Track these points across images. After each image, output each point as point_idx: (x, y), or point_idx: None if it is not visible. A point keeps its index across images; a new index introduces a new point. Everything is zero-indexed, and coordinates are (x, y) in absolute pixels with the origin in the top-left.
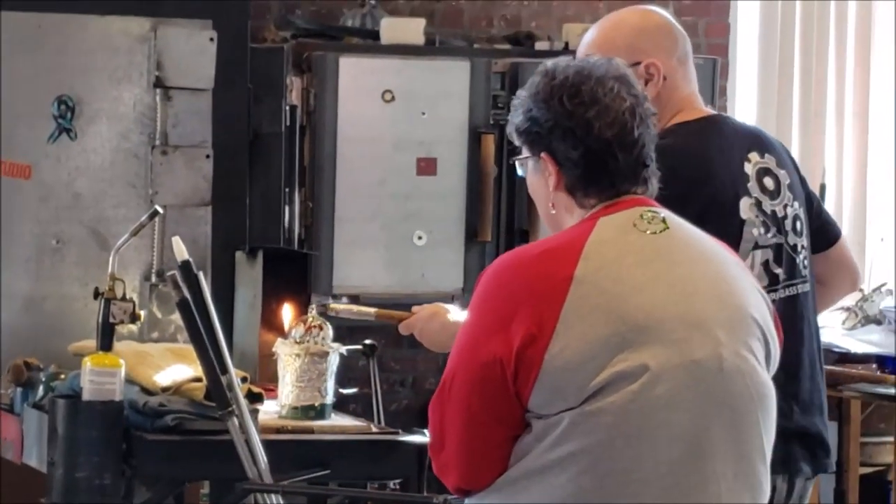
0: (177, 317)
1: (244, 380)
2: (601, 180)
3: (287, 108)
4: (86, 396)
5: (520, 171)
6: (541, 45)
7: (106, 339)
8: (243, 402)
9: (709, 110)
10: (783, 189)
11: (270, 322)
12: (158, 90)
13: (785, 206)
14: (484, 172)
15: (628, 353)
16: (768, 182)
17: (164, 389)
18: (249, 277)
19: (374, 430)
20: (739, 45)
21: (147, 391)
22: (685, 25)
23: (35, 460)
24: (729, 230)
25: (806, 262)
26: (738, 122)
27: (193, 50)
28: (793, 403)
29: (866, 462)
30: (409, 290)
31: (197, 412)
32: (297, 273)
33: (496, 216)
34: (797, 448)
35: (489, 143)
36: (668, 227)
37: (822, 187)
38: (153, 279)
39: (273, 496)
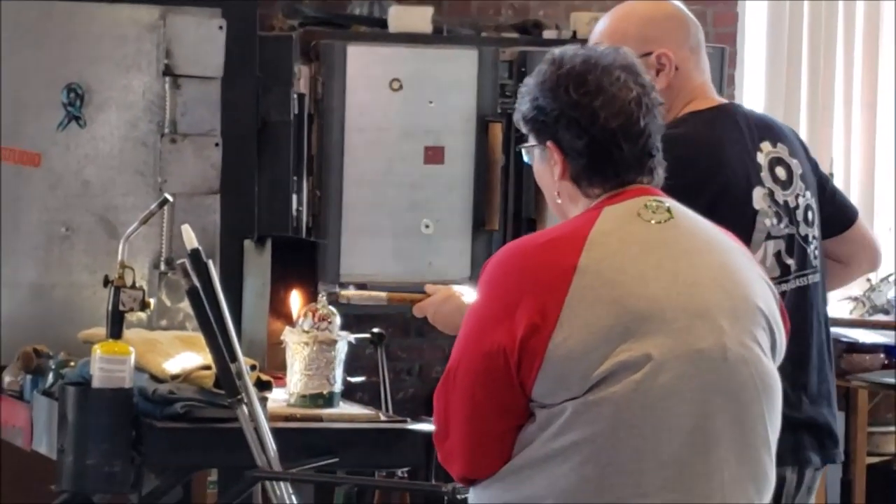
0: (186, 305)
1: (253, 368)
2: (606, 170)
3: (295, 96)
4: (95, 384)
5: (526, 159)
6: (548, 34)
7: (115, 326)
8: (252, 390)
9: (721, 99)
10: (795, 179)
11: (279, 310)
12: (167, 78)
13: (797, 197)
14: (491, 161)
15: (631, 342)
16: (780, 172)
17: (174, 377)
18: (258, 266)
19: (383, 418)
20: (748, 34)
21: (156, 379)
22: (693, 14)
23: (45, 447)
24: (742, 220)
25: (816, 252)
26: (750, 110)
27: (202, 38)
28: (801, 394)
29: (873, 452)
30: (417, 279)
31: (206, 400)
32: (305, 261)
33: (503, 205)
34: (806, 438)
35: (497, 131)
36: (672, 217)
37: (830, 177)
38: (162, 267)
39: (281, 484)
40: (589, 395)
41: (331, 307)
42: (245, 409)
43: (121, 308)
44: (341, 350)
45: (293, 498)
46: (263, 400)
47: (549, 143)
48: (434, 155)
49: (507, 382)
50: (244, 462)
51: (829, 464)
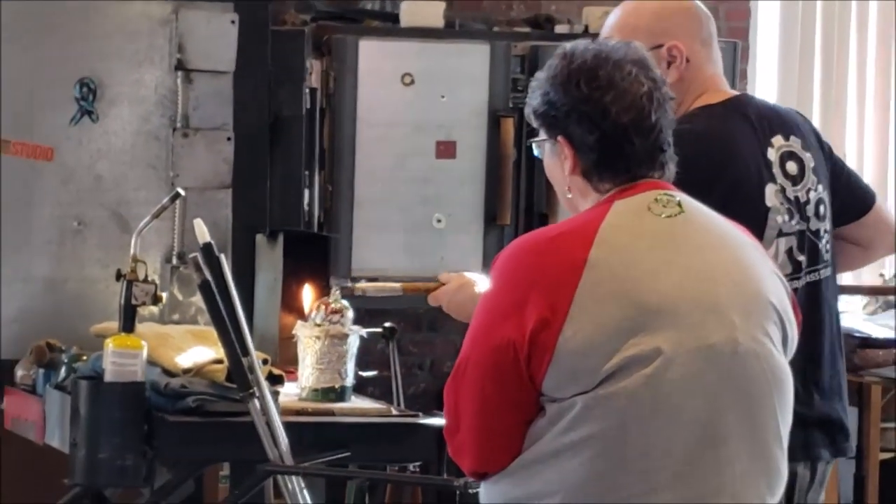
0: (198, 299)
1: (265, 362)
2: (616, 165)
3: (307, 91)
4: (108, 378)
5: (536, 153)
6: (561, 29)
7: (128, 320)
8: (264, 384)
9: (733, 91)
10: (807, 172)
11: (290, 305)
12: (180, 73)
13: (808, 191)
14: (503, 156)
15: (641, 337)
16: (791, 167)
17: (186, 371)
18: (270, 260)
19: (395, 412)
20: (760, 29)
21: (168, 373)
22: (706, 9)
23: (57, 441)
24: (754, 217)
25: (828, 245)
26: (762, 102)
27: (214, 33)
28: (813, 390)
29: (886, 447)
30: (428, 273)
31: (218, 394)
32: (316, 256)
33: (515, 199)
34: (818, 434)
35: (508, 126)
36: (683, 211)
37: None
38: (174, 261)
39: (293, 478)
40: (599, 390)
41: (343, 301)
42: (257, 403)
43: (133, 302)
44: (353, 344)
45: (305, 492)
46: (275, 394)
47: (559, 138)
48: (446, 149)
49: (517, 376)
50: (256, 456)
51: (840, 457)
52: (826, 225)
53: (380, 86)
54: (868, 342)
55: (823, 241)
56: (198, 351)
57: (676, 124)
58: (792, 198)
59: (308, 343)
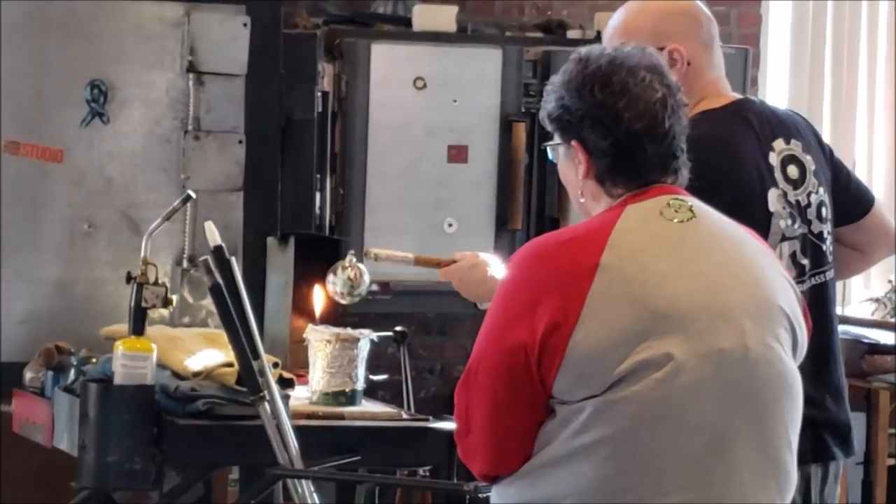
0: (208, 302)
1: (275, 365)
2: (629, 171)
3: (319, 94)
4: (117, 380)
5: (551, 157)
6: (572, 34)
7: (138, 323)
8: (274, 387)
9: (734, 95)
10: (808, 176)
11: (301, 308)
12: (191, 75)
13: (809, 195)
14: (515, 160)
15: (652, 341)
16: (792, 171)
17: (196, 374)
18: (281, 263)
19: (405, 416)
20: (771, 35)
21: (178, 376)
22: (717, 15)
23: (66, 444)
24: (757, 223)
25: (831, 248)
26: (763, 105)
27: (226, 35)
28: (824, 392)
29: (894, 453)
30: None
31: (228, 397)
32: (328, 259)
33: (527, 204)
34: (829, 436)
35: (520, 131)
36: (695, 216)
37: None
38: (185, 264)
39: (303, 482)
40: (610, 394)
41: (359, 265)
42: (267, 406)
43: (143, 305)
44: (363, 348)
45: (314, 496)
46: (285, 397)
47: (573, 143)
48: (458, 154)
49: (528, 379)
50: (266, 460)
51: (849, 457)
52: (828, 227)
53: (392, 89)
54: (876, 348)
55: (826, 242)
56: (208, 354)
57: None
58: (794, 202)
59: (318, 346)
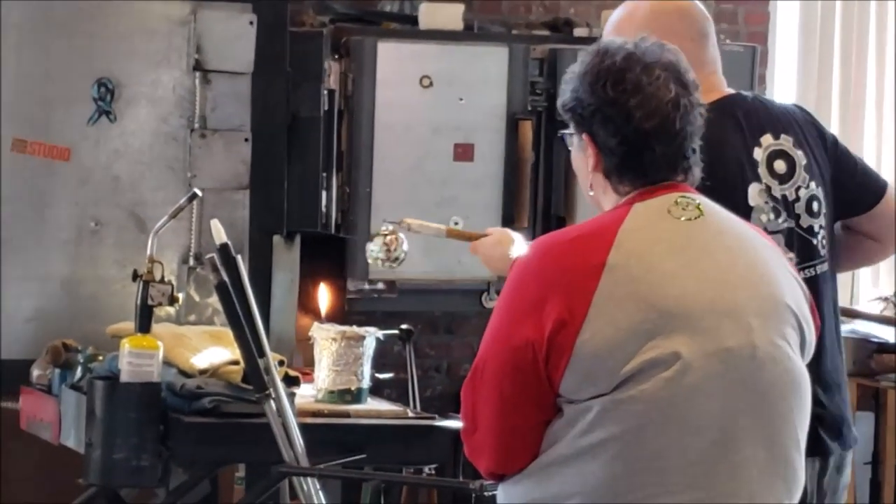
0: (214, 300)
1: (281, 363)
2: (636, 169)
3: (325, 92)
4: (124, 378)
5: (568, 145)
6: (579, 32)
7: (144, 321)
8: (280, 385)
9: (725, 91)
10: (797, 170)
11: (307, 306)
12: (198, 73)
13: (797, 189)
14: (521, 159)
15: (659, 340)
16: (780, 165)
17: (202, 372)
18: (287, 261)
19: (411, 414)
20: (779, 33)
21: (184, 373)
22: (724, 13)
23: (73, 441)
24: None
25: (824, 241)
26: (755, 100)
27: (233, 34)
28: (816, 386)
29: None
30: (446, 276)
31: (234, 395)
32: (333, 257)
33: (533, 203)
34: (822, 431)
35: (527, 129)
36: (702, 214)
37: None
38: (191, 262)
39: (309, 480)
40: (617, 393)
41: (400, 234)
42: (273, 404)
43: (149, 302)
44: (369, 346)
45: (320, 494)
46: (291, 395)
47: (584, 136)
48: (464, 152)
49: (536, 377)
50: (271, 457)
51: (849, 449)
52: (821, 221)
53: (398, 88)
54: (884, 347)
55: (819, 237)
56: (214, 352)
57: None
58: (778, 196)
59: (324, 345)
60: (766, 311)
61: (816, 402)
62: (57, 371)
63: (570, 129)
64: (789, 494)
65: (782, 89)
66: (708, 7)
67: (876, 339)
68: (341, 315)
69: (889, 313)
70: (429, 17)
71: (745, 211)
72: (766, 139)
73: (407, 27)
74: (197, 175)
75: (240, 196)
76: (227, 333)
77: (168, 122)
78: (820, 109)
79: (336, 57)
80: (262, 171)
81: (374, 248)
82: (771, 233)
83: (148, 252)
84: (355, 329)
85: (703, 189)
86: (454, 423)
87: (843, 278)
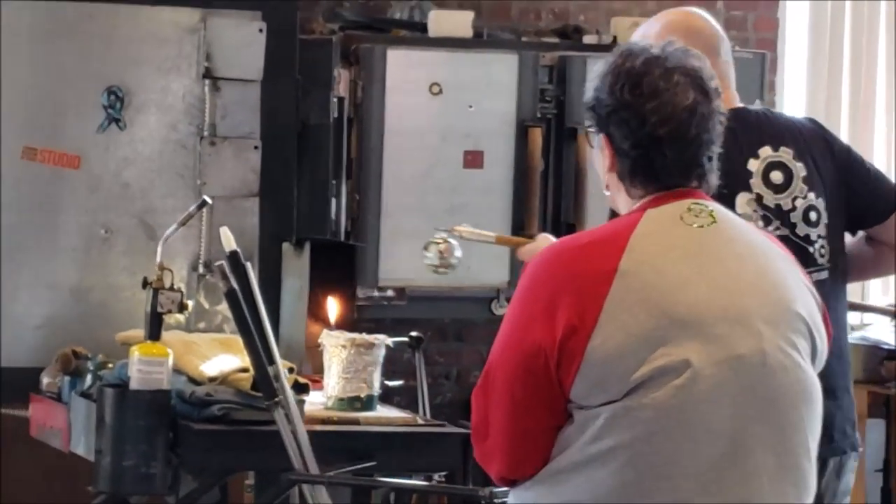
0: (224, 307)
1: (290, 370)
2: (647, 174)
3: (335, 100)
4: (133, 385)
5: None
6: (589, 39)
7: (154, 328)
8: (290, 392)
9: (735, 104)
10: (795, 181)
11: (317, 313)
12: (207, 81)
13: (793, 199)
14: (530, 166)
15: (670, 347)
16: (776, 176)
17: (211, 379)
18: (296, 269)
19: (420, 421)
20: (788, 40)
21: (194, 381)
22: (734, 20)
23: (82, 449)
24: None
25: (823, 250)
26: (761, 114)
27: (242, 41)
28: None
29: None
30: (455, 283)
31: (243, 402)
32: (343, 265)
33: (542, 210)
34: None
35: (536, 136)
36: (715, 221)
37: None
38: (201, 269)
39: (319, 487)
40: (627, 400)
41: (449, 239)
42: (282, 411)
43: (159, 310)
44: (379, 353)
45: (330, 501)
46: (301, 403)
47: (602, 136)
48: (473, 159)
49: (547, 381)
50: (281, 465)
51: (848, 452)
52: (819, 230)
53: (407, 95)
54: (894, 354)
55: (816, 245)
56: (223, 359)
57: None
58: (772, 205)
59: (334, 352)
60: (777, 319)
61: None
62: (67, 378)
63: (592, 128)
64: (800, 502)
65: (792, 95)
66: (717, 14)
67: (886, 347)
68: (351, 322)
69: None
70: (438, 24)
71: None
72: (765, 151)
73: (416, 34)
74: (207, 182)
75: (249, 203)
76: (236, 341)
77: (178, 129)
78: (830, 115)
79: (346, 64)
80: (271, 178)
81: (429, 256)
82: None
83: (157, 259)
84: (365, 336)
85: None
86: (464, 431)
87: (853, 287)
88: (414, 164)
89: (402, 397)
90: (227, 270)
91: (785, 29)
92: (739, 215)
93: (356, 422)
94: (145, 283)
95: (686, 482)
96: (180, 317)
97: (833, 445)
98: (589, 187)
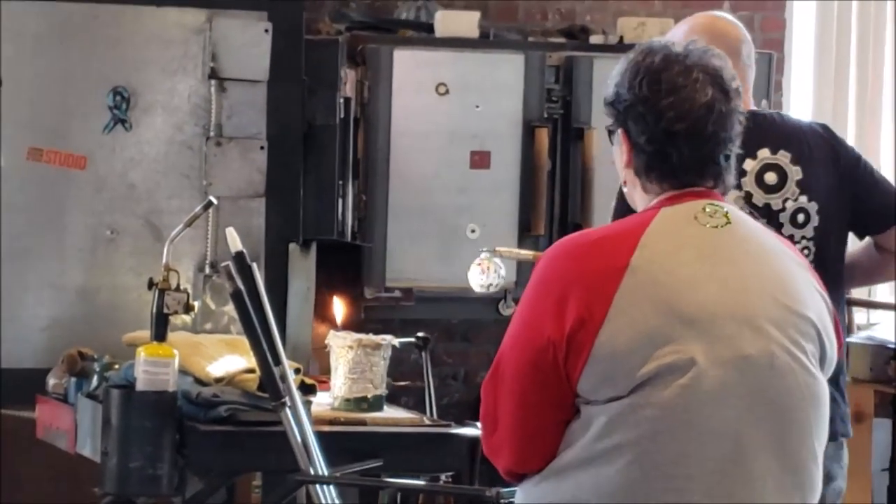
0: (230, 308)
1: (297, 371)
2: (662, 169)
3: (341, 100)
4: (139, 386)
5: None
6: (595, 39)
7: (160, 329)
8: (296, 393)
9: (747, 107)
10: (788, 184)
11: (323, 314)
12: (213, 82)
13: (784, 200)
14: (537, 166)
15: (676, 345)
16: (770, 177)
17: (218, 380)
18: (303, 269)
19: (427, 422)
20: (795, 40)
21: (200, 382)
22: (740, 20)
23: (89, 450)
24: None
25: (806, 251)
26: (767, 119)
27: (248, 42)
28: None
29: None
30: (462, 284)
31: (250, 403)
32: (350, 265)
33: (549, 210)
34: None
35: (543, 136)
36: (729, 222)
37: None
38: (207, 270)
39: (325, 487)
40: (633, 397)
41: (496, 260)
42: (289, 412)
43: (165, 311)
44: (385, 354)
45: (337, 501)
46: (307, 403)
47: (620, 130)
48: (480, 160)
49: (556, 376)
50: (288, 465)
51: (842, 438)
52: (805, 232)
53: (414, 95)
54: None
55: (799, 246)
56: (230, 360)
57: None
58: (760, 204)
59: (340, 352)
60: (785, 321)
61: None
62: (73, 380)
63: (612, 124)
64: None
65: (799, 96)
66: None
67: (893, 346)
68: (357, 323)
69: None
70: (445, 24)
71: None
72: (763, 153)
73: (423, 35)
74: (213, 183)
75: (255, 204)
76: (242, 342)
77: (183, 130)
78: (836, 115)
79: (352, 64)
80: (277, 179)
81: (480, 277)
82: None
83: (163, 260)
84: (372, 337)
85: None
86: (470, 431)
87: (858, 290)
88: (421, 165)
89: (409, 398)
90: (234, 271)
91: (792, 29)
92: None
93: (363, 422)
94: (151, 284)
95: (692, 482)
96: (186, 318)
97: (845, 428)
98: (596, 187)
